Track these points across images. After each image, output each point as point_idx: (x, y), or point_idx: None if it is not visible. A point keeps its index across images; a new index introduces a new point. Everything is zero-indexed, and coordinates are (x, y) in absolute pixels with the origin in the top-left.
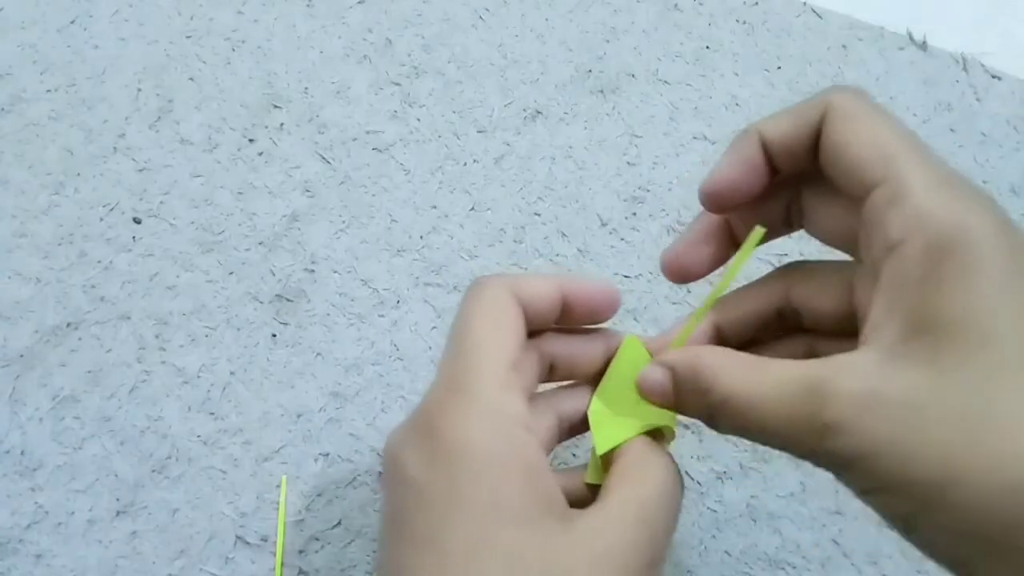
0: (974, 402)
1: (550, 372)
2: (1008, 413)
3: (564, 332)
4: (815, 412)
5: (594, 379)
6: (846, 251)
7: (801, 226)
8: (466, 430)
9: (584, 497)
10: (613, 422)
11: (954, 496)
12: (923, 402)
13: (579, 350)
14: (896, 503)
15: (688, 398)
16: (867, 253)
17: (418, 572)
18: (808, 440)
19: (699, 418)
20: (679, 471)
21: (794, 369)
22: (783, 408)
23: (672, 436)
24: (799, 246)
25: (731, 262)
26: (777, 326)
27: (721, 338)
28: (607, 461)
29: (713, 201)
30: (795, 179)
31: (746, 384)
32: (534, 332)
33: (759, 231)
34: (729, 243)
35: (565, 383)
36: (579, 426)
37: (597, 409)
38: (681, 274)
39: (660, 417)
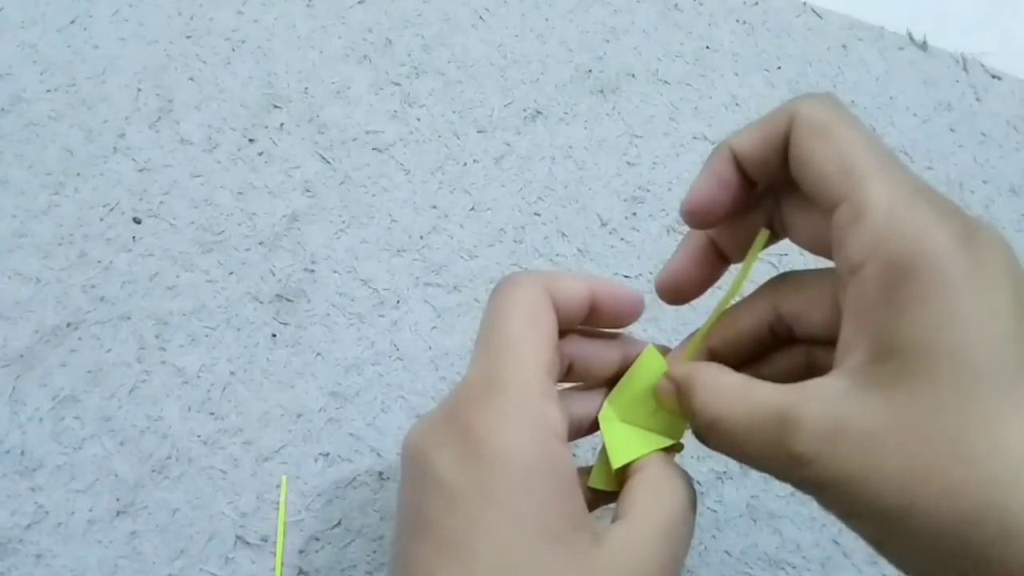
0: (934, 428)
1: (567, 376)
2: (966, 439)
3: (585, 334)
4: (784, 442)
5: (606, 383)
6: (831, 259)
7: (786, 235)
8: (505, 434)
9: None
10: (625, 433)
11: (912, 524)
12: (885, 430)
13: (597, 354)
14: (864, 528)
15: (686, 413)
16: (837, 271)
17: (438, 566)
18: (781, 468)
19: (694, 434)
20: (694, 488)
21: (769, 396)
22: (758, 436)
23: (680, 449)
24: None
25: (740, 267)
26: (772, 340)
27: (717, 359)
28: (619, 471)
29: (694, 219)
30: (774, 190)
31: (728, 409)
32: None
33: (764, 234)
34: (718, 260)
35: (576, 384)
36: (585, 428)
37: (608, 416)
38: (676, 296)
39: (671, 432)
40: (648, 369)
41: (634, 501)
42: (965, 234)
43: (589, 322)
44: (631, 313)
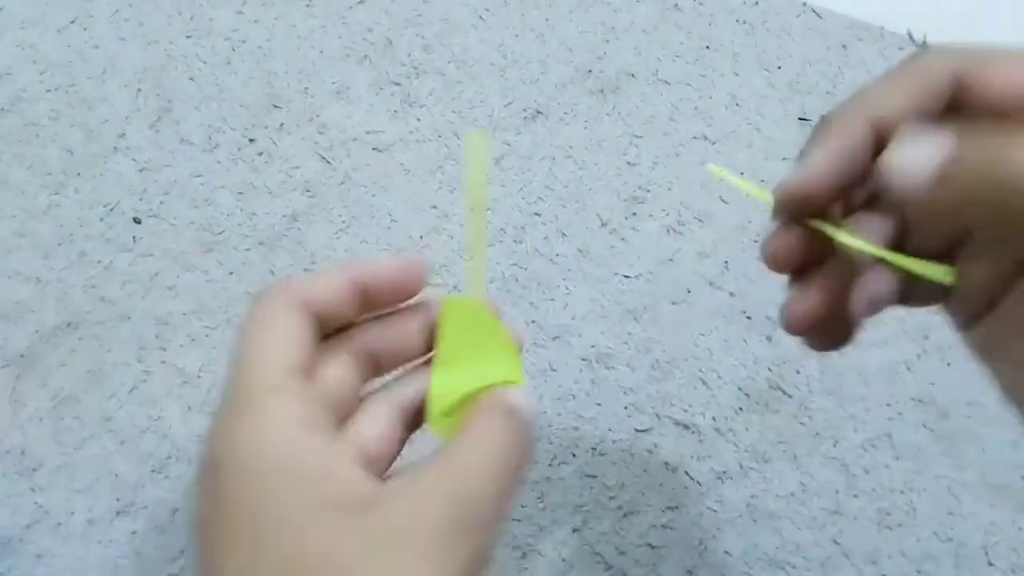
0: None
1: (377, 366)
2: None
3: (376, 321)
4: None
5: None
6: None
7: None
8: (230, 444)
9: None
10: (452, 382)
11: None
12: None
13: (395, 333)
14: None
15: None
16: None
17: None
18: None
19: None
20: (516, 433)
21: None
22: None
23: (519, 384)
24: None
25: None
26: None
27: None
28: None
29: (796, 206)
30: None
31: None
32: (343, 330)
33: (475, 136)
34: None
35: (402, 372)
36: (423, 412)
37: (439, 380)
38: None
39: (506, 372)
40: (456, 320)
41: (423, 466)
42: None
43: (375, 306)
44: (411, 280)
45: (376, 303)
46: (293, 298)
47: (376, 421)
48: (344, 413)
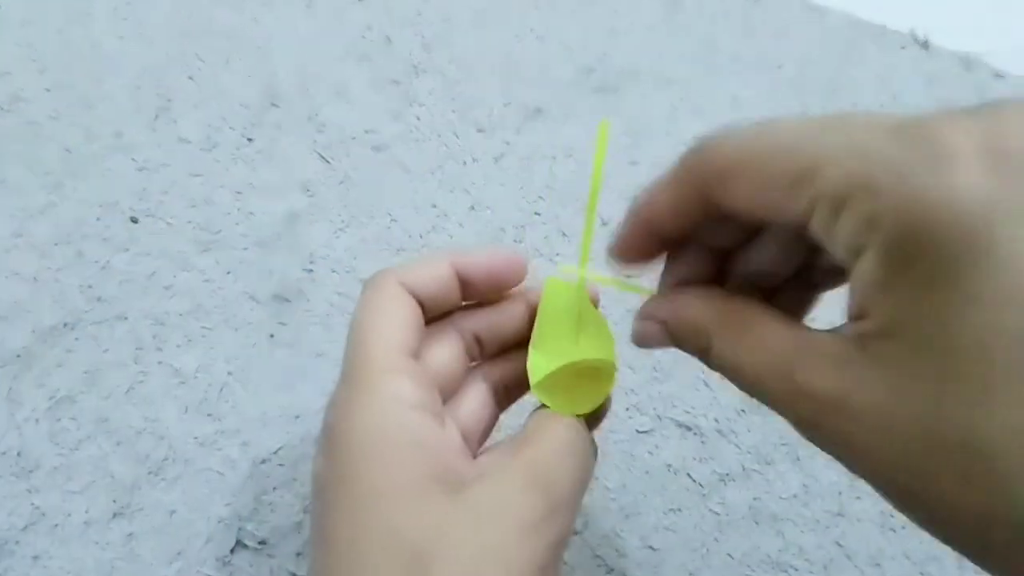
0: (943, 422)
1: (482, 349)
2: (978, 438)
3: (480, 306)
4: (789, 402)
5: (527, 342)
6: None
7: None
8: (350, 419)
9: None
10: (550, 364)
11: (927, 504)
12: (890, 411)
13: (499, 318)
14: (881, 490)
15: (690, 351)
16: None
17: (316, 566)
18: (791, 423)
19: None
20: (583, 431)
21: (773, 347)
22: (764, 387)
23: (613, 369)
24: None
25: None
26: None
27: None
28: None
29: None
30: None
31: (733, 352)
32: (448, 314)
33: (605, 124)
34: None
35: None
36: (515, 389)
37: (536, 360)
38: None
39: (600, 351)
40: (556, 301)
41: (508, 451)
42: (990, 159)
43: (474, 294)
44: (511, 274)
45: (476, 292)
46: (400, 280)
47: (474, 400)
48: (448, 392)
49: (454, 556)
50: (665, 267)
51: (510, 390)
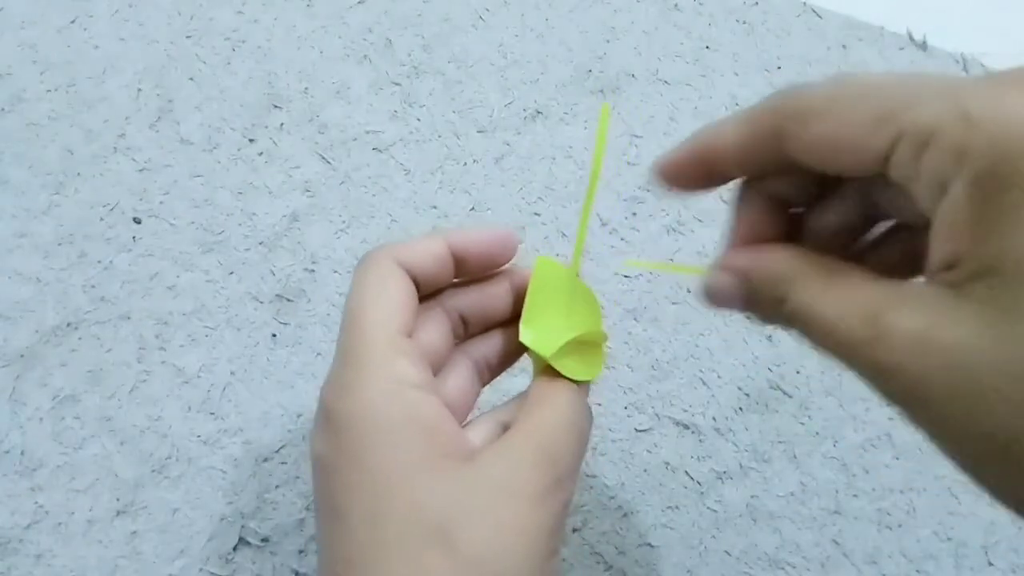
0: None
1: (465, 327)
2: None
3: (466, 284)
4: (870, 348)
5: (512, 321)
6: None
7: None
8: (352, 400)
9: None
10: (546, 339)
11: (1015, 453)
12: (981, 350)
13: (485, 297)
14: (959, 452)
15: (762, 305)
16: (917, 187)
17: (332, 544)
18: (866, 374)
19: (769, 321)
20: (582, 399)
21: (858, 294)
22: (843, 335)
23: (604, 339)
24: None
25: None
26: (870, 225)
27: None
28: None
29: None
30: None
31: (814, 300)
32: (436, 292)
33: (606, 107)
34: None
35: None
36: (497, 366)
37: (527, 336)
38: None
39: (588, 325)
40: (546, 279)
41: (515, 420)
42: None
43: (466, 272)
44: (503, 251)
45: (469, 270)
46: (396, 258)
47: (459, 376)
48: (435, 369)
49: (475, 525)
50: (734, 224)
51: (492, 367)
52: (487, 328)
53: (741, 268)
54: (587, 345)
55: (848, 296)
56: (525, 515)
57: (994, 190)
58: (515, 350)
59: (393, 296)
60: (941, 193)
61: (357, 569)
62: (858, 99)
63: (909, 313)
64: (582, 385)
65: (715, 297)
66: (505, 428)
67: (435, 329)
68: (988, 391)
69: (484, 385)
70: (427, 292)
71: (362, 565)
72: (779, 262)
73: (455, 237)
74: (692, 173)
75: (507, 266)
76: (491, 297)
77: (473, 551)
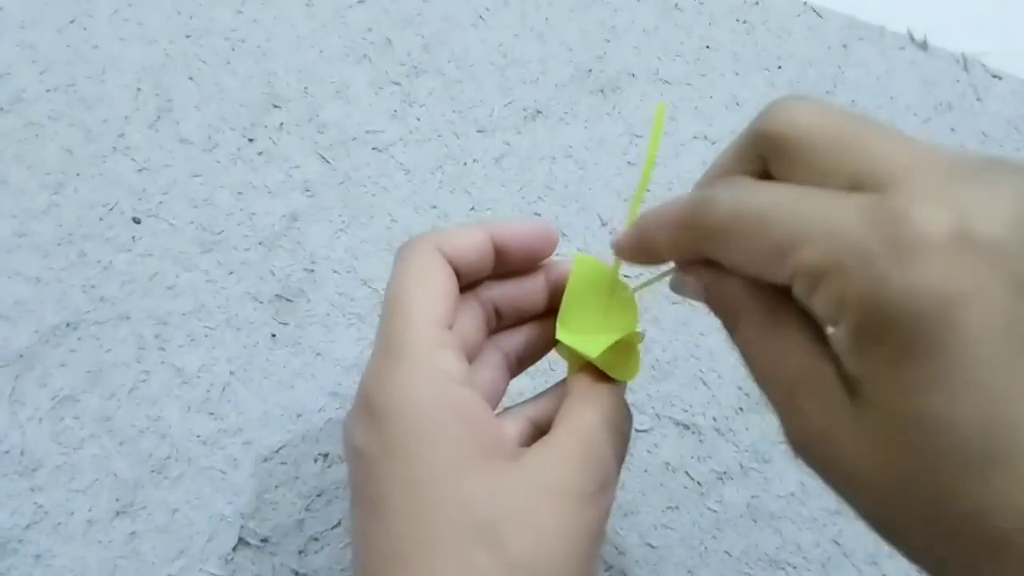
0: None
1: (498, 319)
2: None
3: (503, 277)
4: (787, 416)
5: (544, 315)
6: None
7: None
8: (398, 393)
9: (537, 433)
10: (586, 339)
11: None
12: (873, 471)
13: (520, 291)
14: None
15: (718, 316)
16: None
17: (371, 538)
18: (782, 428)
19: None
20: (623, 400)
21: (787, 355)
22: (769, 386)
23: (640, 339)
24: None
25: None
26: None
27: None
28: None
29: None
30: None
31: (749, 344)
32: (474, 283)
33: (661, 106)
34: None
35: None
36: (526, 360)
37: (565, 335)
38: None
39: (628, 326)
40: (585, 278)
41: (557, 419)
42: (956, 245)
43: (504, 265)
44: (543, 246)
45: (508, 263)
46: (439, 248)
47: (491, 368)
48: (469, 361)
49: (523, 526)
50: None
51: (522, 360)
52: (520, 322)
53: (706, 282)
54: (624, 344)
55: (775, 357)
56: (573, 517)
57: (870, 341)
58: (545, 344)
59: (436, 286)
60: (835, 325)
61: (399, 563)
62: (755, 231)
63: (818, 406)
64: (620, 385)
65: (682, 292)
66: (535, 424)
67: (471, 320)
68: (877, 498)
69: (512, 378)
70: (466, 283)
71: (404, 560)
72: (735, 292)
73: (497, 229)
74: (643, 259)
75: (545, 261)
76: (527, 291)
77: (521, 552)
